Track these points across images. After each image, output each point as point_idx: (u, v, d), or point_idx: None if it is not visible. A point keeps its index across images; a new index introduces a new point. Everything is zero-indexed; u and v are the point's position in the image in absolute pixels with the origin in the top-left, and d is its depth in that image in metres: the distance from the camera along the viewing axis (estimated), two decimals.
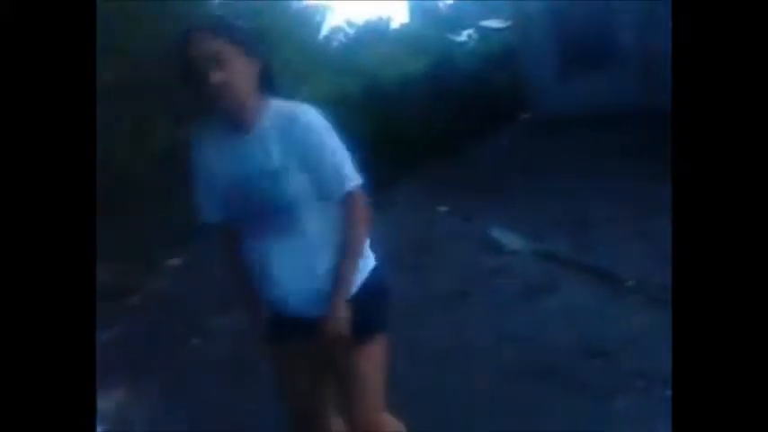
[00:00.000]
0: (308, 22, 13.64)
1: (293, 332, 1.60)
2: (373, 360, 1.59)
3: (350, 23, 16.33)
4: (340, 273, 1.54)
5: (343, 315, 1.52)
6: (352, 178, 1.53)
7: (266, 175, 1.47)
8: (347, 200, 1.54)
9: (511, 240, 4.50)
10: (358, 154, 1.57)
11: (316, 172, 1.49)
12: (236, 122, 1.50)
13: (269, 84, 1.53)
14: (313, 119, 1.50)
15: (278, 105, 1.52)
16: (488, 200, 5.90)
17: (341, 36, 15.86)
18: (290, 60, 10.01)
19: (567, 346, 2.81)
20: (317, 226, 1.53)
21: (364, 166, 1.58)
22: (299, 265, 1.53)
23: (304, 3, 13.83)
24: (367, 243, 1.62)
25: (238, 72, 1.42)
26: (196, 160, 1.58)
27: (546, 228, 4.70)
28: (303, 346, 1.62)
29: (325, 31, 15.01)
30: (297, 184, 1.48)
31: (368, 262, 1.62)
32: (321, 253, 1.54)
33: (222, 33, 1.42)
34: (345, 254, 1.54)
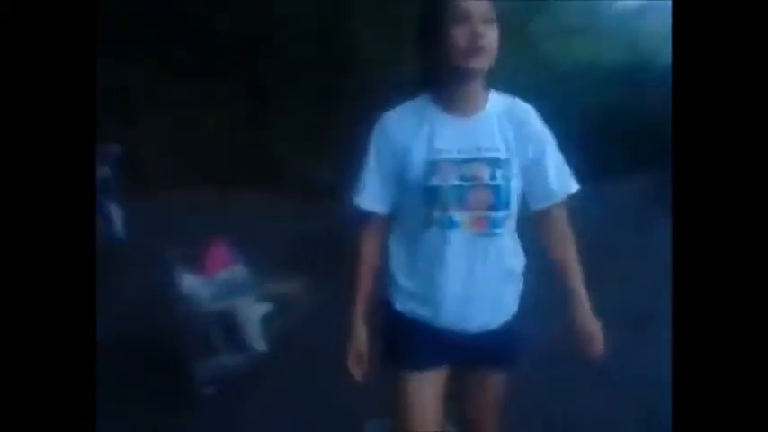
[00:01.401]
0: None
1: (444, 346, 1.47)
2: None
3: None
4: (576, 287, 1.49)
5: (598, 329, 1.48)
6: (573, 181, 1.47)
7: (490, 162, 1.37)
8: (560, 206, 1.48)
9: None
10: None
11: (539, 169, 1.42)
12: (460, 100, 1.39)
13: None
14: (537, 115, 1.44)
15: (498, 95, 1.44)
16: None
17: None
18: (564, 12, 9.54)
19: None
20: (510, 231, 1.45)
21: None
22: (486, 271, 1.42)
23: None
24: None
25: (496, 38, 1.34)
26: (388, 137, 1.43)
27: None
28: (452, 364, 1.52)
29: None
30: (517, 179, 1.40)
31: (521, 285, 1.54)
32: (511, 261, 1.46)
33: None
34: (572, 264, 1.49)
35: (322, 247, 4.07)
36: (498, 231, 1.41)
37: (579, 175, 1.50)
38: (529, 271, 1.54)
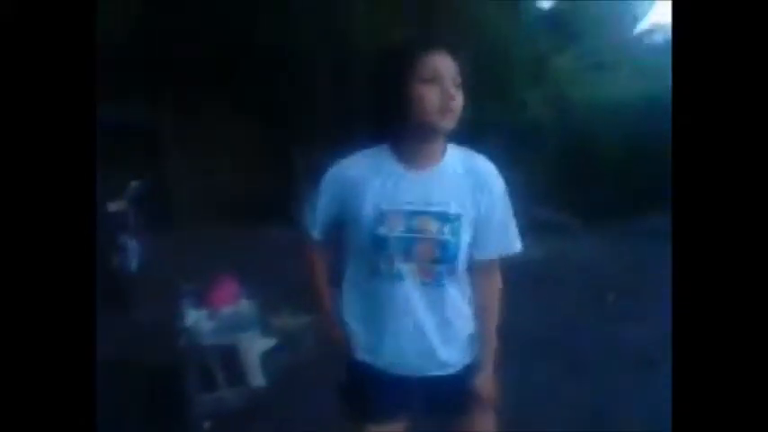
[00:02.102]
0: (627, 12, 12.72)
1: (397, 391, 1.49)
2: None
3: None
4: (488, 334, 1.51)
5: (490, 373, 1.51)
6: (518, 241, 1.49)
7: (439, 216, 1.39)
8: (494, 263, 1.51)
9: None
10: None
11: (486, 225, 1.44)
12: (417, 153, 1.43)
13: None
14: (492, 166, 1.47)
15: (456, 149, 1.47)
16: None
17: (657, 36, 14.63)
18: (594, 49, 9.90)
19: None
20: (458, 282, 1.47)
21: None
22: (435, 319, 1.44)
23: None
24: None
25: (462, 101, 1.38)
26: (344, 180, 1.47)
27: None
28: (409, 414, 1.54)
29: (642, 26, 13.72)
30: (466, 234, 1.42)
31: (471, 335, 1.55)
32: (459, 310, 1.48)
33: (460, 62, 1.39)
34: (490, 312, 1.51)
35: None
36: (445, 282, 1.43)
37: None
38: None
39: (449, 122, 1.37)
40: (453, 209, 1.40)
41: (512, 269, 1.55)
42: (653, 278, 5.15)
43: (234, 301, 3.06)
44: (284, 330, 3.31)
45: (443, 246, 1.39)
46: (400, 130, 1.42)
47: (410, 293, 1.42)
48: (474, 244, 1.45)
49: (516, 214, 1.49)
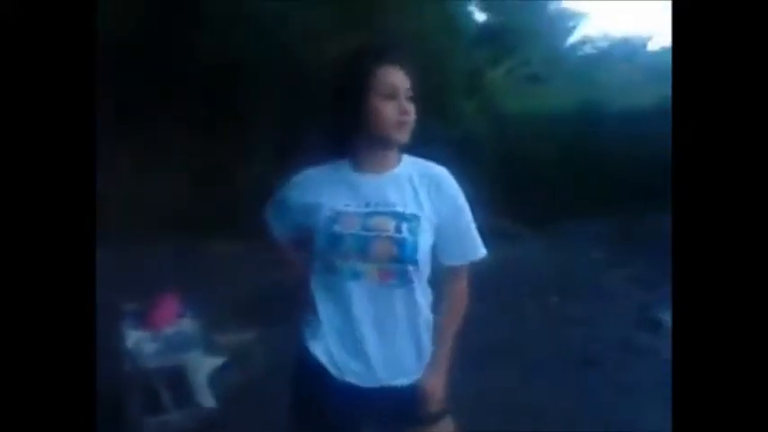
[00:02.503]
0: (560, 25, 13.20)
1: (354, 402, 1.45)
2: None
3: (606, 36, 14.20)
4: (445, 336, 1.49)
5: (442, 380, 1.48)
6: (482, 246, 1.49)
7: (395, 215, 1.40)
8: (462, 270, 1.51)
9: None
10: None
11: (447, 231, 1.45)
12: (373, 160, 1.45)
13: None
14: (449, 175, 1.48)
15: (410, 158, 1.50)
16: None
17: (588, 47, 14.58)
18: (527, 61, 9.93)
19: None
20: (420, 286, 1.45)
21: None
22: (395, 323, 1.43)
23: (562, 4, 13.41)
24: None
25: (413, 115, 1.42)
26: (299, 185, 1.51)
27: None
28: (366, 422, 1.50)
29: (574, 38, 13.86)
30: (426, 235, 1.41)
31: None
32: (422, 315, 1.46)
33: (411, 74, 1.43)
34: (451, 319, 1.50)
35: (276, 297, 4.03)
36: (407, 284, 1.41)
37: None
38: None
39: (404, 135, 1.42)
40: (410, 209, 1.41)
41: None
42: (592, 280, 5.37)
43: (176, 321, 2.98)
44: (231, 348, 3.24)
45: (401, 244, 1.38)
46: (356, 140, 1.45)
47: (369, 294, 1.40)
48: (441, 250, 1.47)
49: None
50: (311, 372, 1.47)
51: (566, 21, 14.03)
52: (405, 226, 1.39)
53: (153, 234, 5.89)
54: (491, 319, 3.80)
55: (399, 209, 1.41)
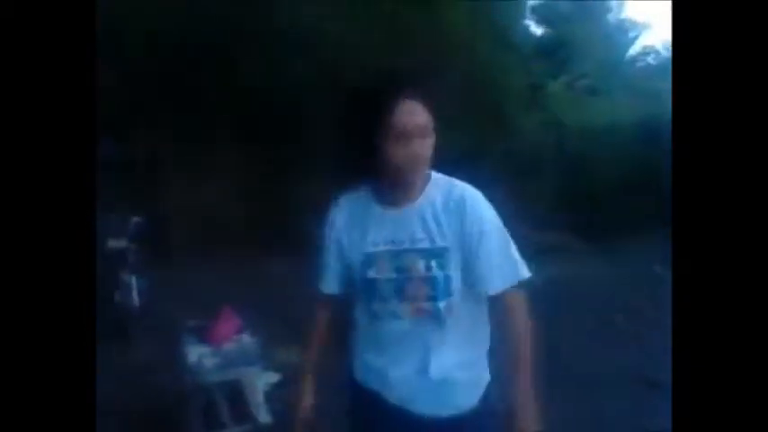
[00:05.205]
0: (620, 36, 13.30)
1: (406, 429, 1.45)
2: None
3: (668, 46, 13.86)
4: (521, 371, 1.39)
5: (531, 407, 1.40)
6: (522, 267, 1.41)
7: (423, 253, 1.38)
8: (514, 297, 1.41)
9: None
10: None
11: (477, 256, 1.38)
12: (395, 194, 1.43)
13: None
14: (477, 194, 1.42)
15: (438, 178, 1.45)
16: None
17: (651, 58, 14.27)
18: (586, 73, 10.00)
19: None
20: (465, 316, 1.41)
21: None
22: (436, 359, 1.41)
23: (622, 15, 13.54)
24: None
25: (432, 145, 1.39)
26: (334, 227, 1.49)
27: None
28: None
29: (634, 49, 13.93)
30: (456, 266, 1.38)
31: (485, 375, 1.51)
32: (463, 347, 1.44)
33: (430, 105, 1.37)
34: (520, 354, 1.40)
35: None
36: (444, 320, 1.39)
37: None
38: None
39: (417, 175, 1.39)
40: (438, 242, 1.38)
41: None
42: (654, 297, 5.15)
43: (236, 336, 3.03)
44: (288, 364, 3.27)
45: (433, 282, 1.37)
46: (375, 173, 1.42)
47: (409, 333, 1.41)
48: (479, 278, 1.39)
49: (516, 240, 1.45)
50: (366, 398, 1.49)
51: (626, 32, 13.70)
52: (434, 263, 1.38)
53: (213, 252, 6.05)
54: (556, 338, 3.67)
55: (426, 245, 1.38)
